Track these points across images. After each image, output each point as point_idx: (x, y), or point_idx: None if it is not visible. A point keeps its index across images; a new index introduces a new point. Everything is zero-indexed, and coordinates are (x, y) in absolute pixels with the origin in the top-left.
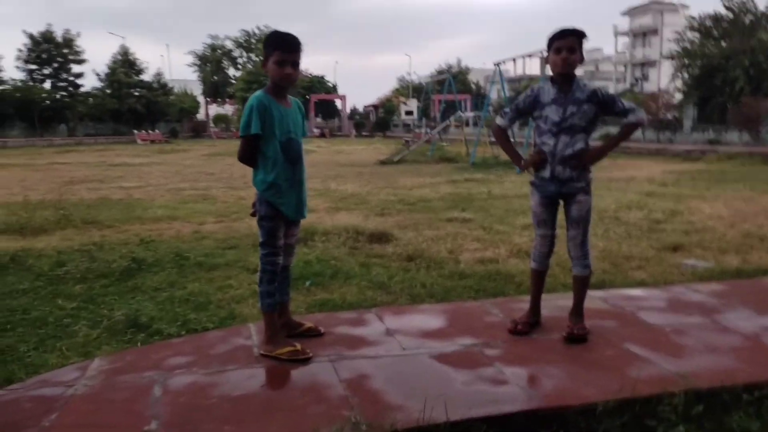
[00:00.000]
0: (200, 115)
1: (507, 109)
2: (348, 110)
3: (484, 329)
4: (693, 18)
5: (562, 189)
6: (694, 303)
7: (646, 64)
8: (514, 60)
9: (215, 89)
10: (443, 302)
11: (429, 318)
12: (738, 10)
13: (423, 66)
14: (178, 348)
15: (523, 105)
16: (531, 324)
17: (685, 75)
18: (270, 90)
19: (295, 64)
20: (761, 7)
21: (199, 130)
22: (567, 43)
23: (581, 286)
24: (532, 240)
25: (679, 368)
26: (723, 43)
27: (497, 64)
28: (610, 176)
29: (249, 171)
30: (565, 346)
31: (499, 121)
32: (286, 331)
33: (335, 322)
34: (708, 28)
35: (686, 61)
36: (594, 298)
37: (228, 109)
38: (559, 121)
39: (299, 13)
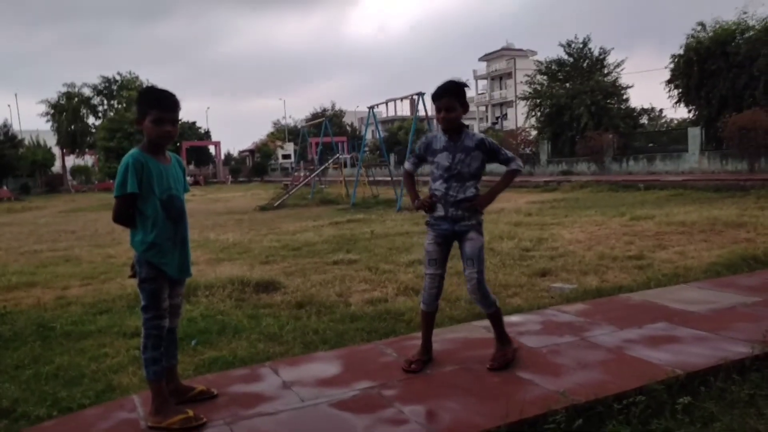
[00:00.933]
0: (56, 168)
1: (411, 156)
2: (223, 156)
3: (380, 371)
4: (540, 63)
5: (455, 227)
6: (564, 323)
7: (504, 104)
8: (386, 103)
9: (73, 139)
10: (337, 348)
11: (325, 366)
12: (577, 56)
13: (298, 109)
14: None
15: (419, 152)
16: (424, 362)
17: (538, 113)
18: (146, 148)
19: (174, 121)
20: (596, 53)
21: (55, 184)
22: (443, 104)
23: (494, 320)
24: (417, 276)
25: (559, 386)
26: (567, 85)
27: (371, 108)
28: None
29: (117, 226)
30: (458, 378)
31: (407, 165)
32: (175, 398)
33: (228, 381)
34: (554, 71)
35: (537, 101)
36: (478, 328)
37: (88, 160)
38: (448, 167)
39: (164, 57)
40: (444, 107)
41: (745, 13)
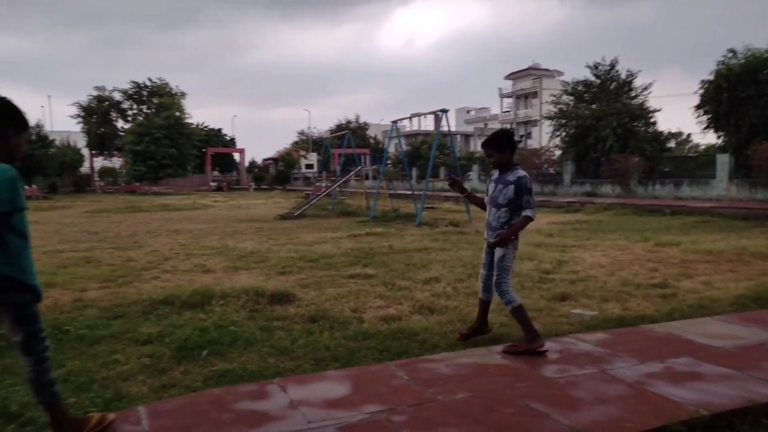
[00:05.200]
0: (84, 169)
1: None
2: (247, 163)
3: (390, 394)
4: (567, 83)
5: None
6: (583, 353)
7: (528, 122)
8: (410, 118)
9: (102, 141)
10: (348, 366)
11: (334, 385)
12: (604, 77)
13: (322, 120)
14: None
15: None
16: (472, 330)
17: (563, 133)
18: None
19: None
20: (623, 75)
21: (82, 185)
22: (486, 152)
23: (516, 317)
24: (434, 295)
25: (574, 422)
26: (593, 106)
27: (394, 122)
28: None
29: (138, 228)
30: (470, 406)
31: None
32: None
33: (236, 396)
34: (580, 92)
35: (563, 121)
36: (493, 354)
37: (116, 162)
38: (491, 195)
39: (193, 64)
40: (487, 154)
41: None
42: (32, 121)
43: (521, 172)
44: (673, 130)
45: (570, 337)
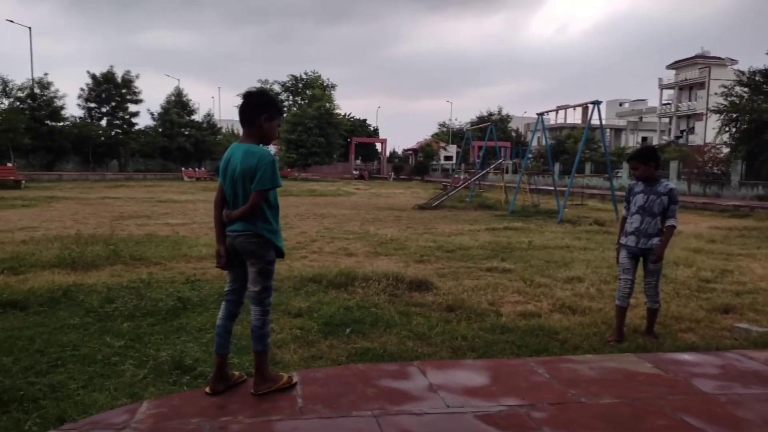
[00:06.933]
0: None
1: (626, 205)
2: (388, 153)
3: (530, 389)
4: (741, 73)
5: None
6: (750, 371)
7: (691, 116)
8: (556, 111)
9: None
10: (485, 358)
11: (472, 374)
12: None
13: (463, 112)
14: (221, 394)
15: (626, 195)
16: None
17: (733, 129)
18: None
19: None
20: None
21: None
22: (632, 165)
23: (654, 317)
24: (575, 294)
25: None
26: None
27: (540, 114)
28: None
29: (289, 211)
30: (615, 412)
31: (624, 212)
32: (223, 383)
33: (378, 374)
34: (758, 83)
35: (734, 115)
36: (643, 362)
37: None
38: (642, 205)
39: (344, 58)
40: (633, 167)
41: None
42: (203, 110)
43: (671, 184)
44: None
45: (734, 353)
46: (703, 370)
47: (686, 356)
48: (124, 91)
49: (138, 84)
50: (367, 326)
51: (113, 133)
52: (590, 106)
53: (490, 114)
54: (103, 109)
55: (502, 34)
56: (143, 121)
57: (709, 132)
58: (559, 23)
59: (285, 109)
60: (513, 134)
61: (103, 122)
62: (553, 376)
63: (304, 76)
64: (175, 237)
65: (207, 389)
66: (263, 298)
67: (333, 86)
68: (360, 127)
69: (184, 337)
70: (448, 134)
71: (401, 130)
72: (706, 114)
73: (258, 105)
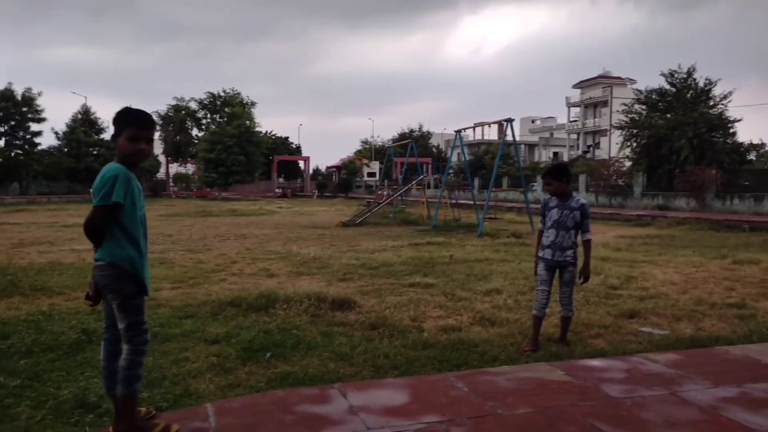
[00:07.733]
0: (161, 174)
1: (542, 219)
2: (311, 171)
3: (449, 405)
4: (640, 92)
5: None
6: (652, 374)
7: (597, 132)
8: (474, 127)
9: (177, 149)
10: (407, 375)
11: (393, 393)
12: (680, 86)
13: (385, 129)
14: None
15: (541, 209)
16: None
17: (634, 144)
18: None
19: (149, 140)
20: (701, 83)
21: (158, 189)
22: (545, 181)
23: (567, 324)
24: (494, 306)
25: None
26: (668, 116)
27: (458, 131)
28: None
29: (208, 232)
30: (530, 422)
31: (540, 226)
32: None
33: (297, 399)
34: (654, 101)
35: (634, 131)
36: (556, 370)
37: (189, 168)
38: (557, 219)
39: (265, 76)
40: (546, 183)
41: None
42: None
43: (582, 199)
44: (755, 141)
45: (638, 357)
46: (610, 375)
47: (595, 362)
48: (24, 109)
49: (41, 102)
50: (288, 349)
51: (12, 154)
52: (504, 124)
53: (411, 131)
54: (1, 129)
55: (422, 53)
56: (47, 141)
57: (614, 147)
58: (474, 45)
59: (203, 126)
60: (434, 150)
61: (1, 142)
62: (471, 389)
63: (222, 94)
64: (80, 264)
65: (111, 429)
66: (131, 336)
67: (253, 104)
68: (282, 144)
69: (89, 372)
70: (371, 151)
71: (324, 148)
72: (610, 130)
73: (114, 125)
